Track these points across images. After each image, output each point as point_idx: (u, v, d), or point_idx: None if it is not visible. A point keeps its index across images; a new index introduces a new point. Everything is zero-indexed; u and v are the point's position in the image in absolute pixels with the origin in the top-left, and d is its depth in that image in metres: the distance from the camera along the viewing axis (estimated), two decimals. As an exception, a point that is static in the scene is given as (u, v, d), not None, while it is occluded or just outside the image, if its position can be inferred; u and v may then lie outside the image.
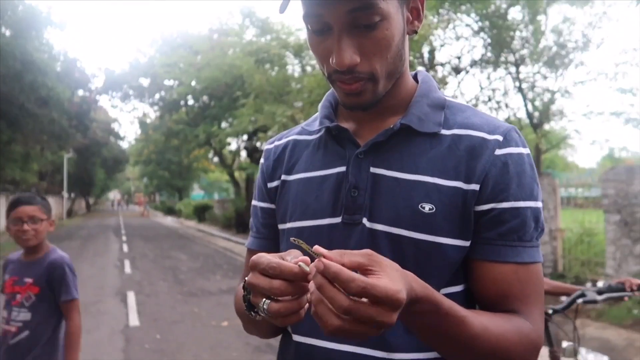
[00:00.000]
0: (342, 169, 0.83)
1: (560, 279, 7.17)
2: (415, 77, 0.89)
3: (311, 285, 0.59)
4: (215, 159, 26.28)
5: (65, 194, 34.51)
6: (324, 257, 0.58)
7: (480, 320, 0.69)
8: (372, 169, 0.81)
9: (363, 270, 0.57)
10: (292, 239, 0.64)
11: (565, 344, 1.89)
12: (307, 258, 0.61)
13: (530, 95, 9.66)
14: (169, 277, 9.44)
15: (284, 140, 0.96)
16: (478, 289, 0.78)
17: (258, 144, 19.50)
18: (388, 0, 0.73)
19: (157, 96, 23.57)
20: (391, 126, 0.81)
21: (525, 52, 9.07)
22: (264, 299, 0.63)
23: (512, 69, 9.37)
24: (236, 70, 14.93)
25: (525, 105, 9.45)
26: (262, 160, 0.98)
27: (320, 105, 0.93)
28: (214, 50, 17.24)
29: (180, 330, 5.63)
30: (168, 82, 21.67)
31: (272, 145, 0.98)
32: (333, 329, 0.56)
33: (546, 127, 10.43)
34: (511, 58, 9.19)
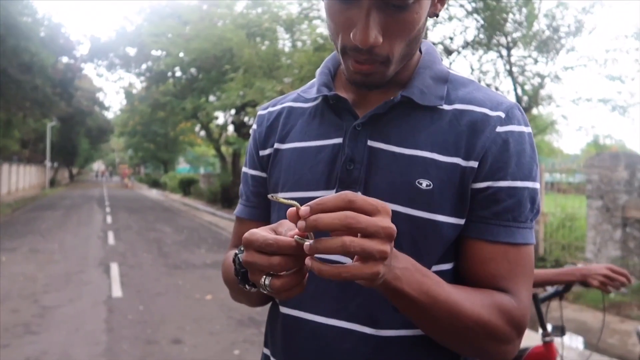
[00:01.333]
0: (339, 140, 0.80)
1: (540, 262, 7.31)
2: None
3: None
4: (202, 133, 26.04)
5: (48, 162, 34.02)
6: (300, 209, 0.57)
7: (457, 291, 0.69)
8: (370, 142, 0.78)
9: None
10: (269, 195, 0.63)
11: (549, 326, 1.93)
12: (300, 226, 0.59)
13: (520, 79, 9.67)
14: (153, 250, 9.41)
15: (278, 107, 0.92)
16: (468, 267, 0.77)
17: (246, 119, 19.32)
18: None
19: (144, 66, 23.10)
20: (391, 98, 0.77)
21: (517, 35, 9.04)
22: (264, 276, 0.61)
23: (504, 52, 9.34)
24: (226, 43, 14.66)
25: (515, 89, 9.46)
26: (254, 127, 0.94)
27: (318, 71, 0.88)
28: (204, 21, 16.87)
29: (164, 302, 5.63)
30: (155, 53, 21.21)
31: (265, 111, 0.94)
32: (333, 274, 0.55)
33: (534, 111, 10.48)
34: (503, 41, 9.15)
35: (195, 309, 5.36)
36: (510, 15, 8.92)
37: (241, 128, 19.89)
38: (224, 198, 19.63)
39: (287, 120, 0.89)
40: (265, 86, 11.48)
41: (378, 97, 0.80)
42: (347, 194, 0.56)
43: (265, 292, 0.62)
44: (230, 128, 21.99)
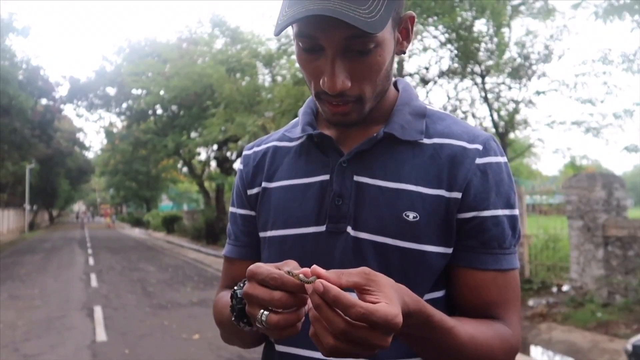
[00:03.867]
0: (326, 177, 0.83)
1: (527, 284, 7.35)
2: (395, 85, 0.90)
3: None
4: (185, 169, 25.90)
5: (27, 206, 33.36)
6: (322, 277, 0.58)
7: (466, 329, 0.71)
8: (356, 177, 0.81)
9: (360, 289, 0.58)
10: (285, 269, 0.61)
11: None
12: (307, 270, 0.61)
13: (495, 105, 9.92)
14: (138, 290, 9.21)
15: (263, 147, 0.95)
16: (459, 294, 0.80)
17: (228, 154, 19.34)
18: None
19: (124, 105, 23.10)
20: (374, 135, 0.81)
21: (490, 63, 9.32)
22: (262, 311, 0.62)
23: (478, 80, 9.60)
24: (206, 79, 14.82)
25: (491, 114, 9.69)
26: (240, 166, 0.96)
27: (301, 111, 0.92)
28: (183, 59, 17.06)
29: (150, 344, 5.49)
30: (136, 91, 21.28)
31: (250, 151, 0.96)
32: (329, 348, 0.57)
33: (511, 136, 10.72)
34: (477, 69, 9.42)
35: (183, 349, 5.23)
36: (483, 45, 9.22)
37: (224, 163, 19.88)
38: (209, 234, 19.41)
39: (273, 159, 0.91)
40: (246, 121, 11.57)
41: (359, 134, 0.84)
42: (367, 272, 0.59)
43: (260, 326, 0.63)
44: (213, 163, 21.96)
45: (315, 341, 0.58)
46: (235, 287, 0.73)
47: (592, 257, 6.42)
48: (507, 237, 0.79)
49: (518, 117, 9.91)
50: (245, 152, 0.97)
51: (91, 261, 14.76)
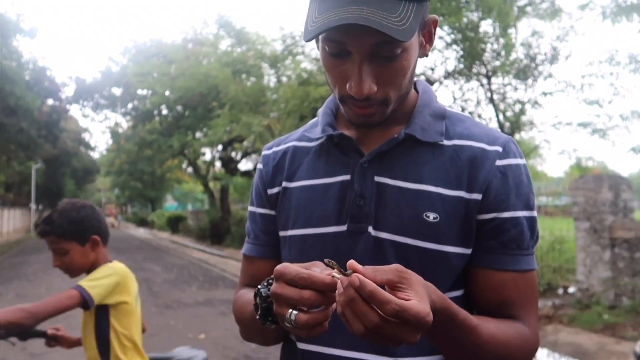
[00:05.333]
0: (347, 177, 0.84)
1: (533, 285, 7.32)
2: (414, 86, 0.91)
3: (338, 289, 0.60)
4: (189, 170, 25.97)
5: (33, 205, 33.54)
6: (359, 272, 0.59)
7: (488, 328, 0.72)
8: (377, 178, 0.82)
9: (392, 286, 0.59)
10: (326, 260, 0.63)
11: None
12: (336, 272, 0.62)
13: (501, 106, 9.89)
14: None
15: (282, 147, 0.96)
16: (478, 294, 0.81)
17: (233, 154, 19.37)
18: None
19: (129, 106, 23.19)
20: (395, 136, 0.82)
21: (496, 64, 9.29)
22: (291, 310, 0.63)
23: (484, 81, 9.58)
24: (211, 80, 14.85)
25: (497, 116, 9.66)
26: (259, 166, 0.97)
27: (320, 111, 0.93)
28: (189, 59, 17.12)
29: (156, 343, 5.50)
30: (141, 92, 21.36)
31: (270, 151, 0.97)
32: (358, 333, 0.58)
33: (517, 137, 10.69)
34: (483, 70, 9.40)
35: (189, 349, 5.24)
36: (489, 45, 9.19)
37: (229, 163, 19.91)
38: (214, 234, 19.45)
39: (293, 159, 0.92)
40: (252, 121, 11.58)
41: (380, 135, 0.85)
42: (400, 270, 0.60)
43: (288, 326, 0.64)
44: (218, 164, 22.00)
45: (344, 320, 0.60)
46: (260, 287, 0.74)
47: (599, 259, 6.39)
48: (526, 238, 0.80)
49: (524, 118, 9.87)
50: (264, 152, 0.98)
51: (97, 261, 14.80)
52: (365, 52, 0.72)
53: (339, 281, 0.60)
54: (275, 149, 0.97)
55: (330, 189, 0.85)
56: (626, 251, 6.16)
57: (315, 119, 0.95)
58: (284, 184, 0.91)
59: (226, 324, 6.38)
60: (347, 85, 0.75)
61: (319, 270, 0.64)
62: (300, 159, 0.91)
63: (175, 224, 28.52)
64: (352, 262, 0.60)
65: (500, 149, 0.81)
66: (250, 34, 16.46)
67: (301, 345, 0.85)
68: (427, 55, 0.83)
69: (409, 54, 0.75)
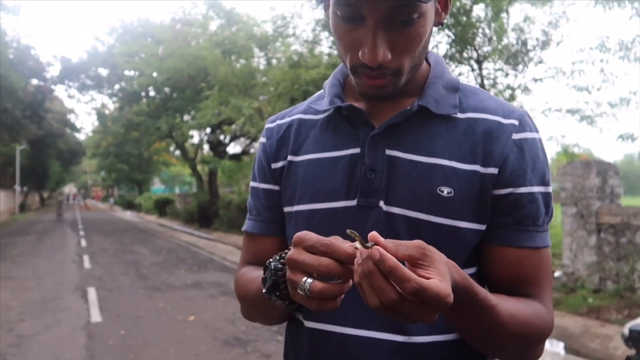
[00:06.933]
0: (356, 150, 0.80)
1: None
2: (425, 58, 0.87)
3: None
4: (177, 152, 25.76)
5: (17, 187, 33.08)
6: (380, 245, 0.56)
7: (507, 307, 0.70)
8: (388, 151, 0.79)
9: (413, 262, 0.57)
10: (348, 230, 0.60)
11: None
12: (357, 244, 0.60)
13: (492, 91, 9.91)
14: (131, 272, 9.21)
15: (287, 119, 0.92)
16: (492, 272, 0.79)
17: (222, 137, 19.23)
18: None
19: (116, 87, 22.86)
20: (408, 107, 0.79)
21: (488, 49, 9.28)
22: (306, 278, 0.60)
23: (475, 66, 9.57)
24: (200, 62, 14.66)
25: (487, 101, 9.68)
26: (262, 140, 0.93)
27: (327, 83, 0.89)
28: (177, 40, 16.84)
29: (145, 325, 5.50)
30: (128, 73, 21.05)
31: (274, 124, 0.93)
32: (373, 307, 0.56)
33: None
34: (474, 55, 9.38)
35: (179, 331, 5.25)
36: (480, 30, 9.17)
37: (217, 147, 19.78)
38: (202, 217, 19.38)
39: (298, 132, 0.89)
40: (241, 104, 11.48)
41: (390, 107, 0.82)
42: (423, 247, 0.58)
43: (300, 295, 0.61)
44: (206, 147, 21.84)
45: (360, 290, 0.58)
46: (271, 260, 0.72)
47: (585, 244, 6.48)
48: (541, 214, 0.78)
49: (514, 104, 9.91)
50: (268, 125, 0.95)
51: (83, 243, 14.72)
52: (380, 16, 0.68)
53: (358, 252, 0.57)
54: (279, 122, 0.93)
55: (339, 163, 0.81)
56: (612, 236, 6.26)
57: (321, 91, 0.91)
58: (290, 157, 0.87)
59: (216, 306, 6.39)
60: (360, 53, 0.71)
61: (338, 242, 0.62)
62: (306, 132, 0.88)
63: (162, 207, 28.35)
64: (374, 234, 0.58)
65: (516, 122, 0.79)
66: (240, 15, 16.23)
67: (308, 324, 0.82)
68: (442, 24, 0.80)
69: (425, 20, 0.72)
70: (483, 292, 0.66)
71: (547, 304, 0.78)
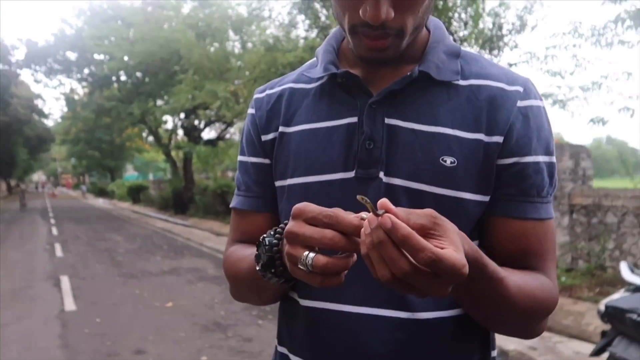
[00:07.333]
0: (353, 119, 0.76)
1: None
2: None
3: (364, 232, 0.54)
4: (150, 138, 25.26)
5: (-17, 175, 32.03)
6: (391, 213, 0.52)
7: (514, 280, 0.68)
8: (387, 120, 0.75)
9: (425, 232, 0.53)
10: (359, 196, 0.55)
11: None
12: (364, 214, 0.56)
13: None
14: (106, 260, 9.03)
15: (277, 89, 0.87)
16: (495, 245, 0.76)
17: (196, 123, 18.94)
18: None
19: (86, 71, 22.15)
20: (408, 73, 0.74)
21: (464, 33, 9.32)
22: (308, 252, 0.56)
23: (451, 50, 9.61)
24: (173, 45, 14.32)
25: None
26: (251, 111, 0.88)
27: (321, 49, 0.84)
28: (149, 23, 16.41)
29: (122, 313, 5.41)
30: (98, 57, 20.40)
31: (263, 94, 0.88)
32: (383, 279, 0.53)
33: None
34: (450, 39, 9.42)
35: (157, 317, 5.18)
36: (456, 15, 9.19)
37: (192, 132, 19.46)
38: (177, 204, 19.14)
39: (290, 102, 0.84)
40: (216, 88, 11.29)
41: (389, 74, 0.78)
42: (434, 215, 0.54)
43: (301, 270, 0.57)
44: (180, 132, 21.46)
45: (368, 263, 0.54)
46: (265, 235, 0.68)
47: (558, 225, 6.63)
48: (545, 185, 0.75)
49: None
50: (256, 95, 0.89)
51: (55, 231, 14.37)
52: None
53: (367, 221, 0.53)
54: (269, 91, 0.87)
55: (335, 133, 0.77)
56: (584, 217, 6.41)
57: (313, 59, 0.86)
58: (281, 128, 0.82)
59: (194, 292, 6.33)
60: (361, 10, 0.66)
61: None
62: (298, 102, 0.83)
63: (136, 193, 27.88)
64: (385, 201, 0.53)
65: (521, 89, 0.75)
66: (214, -4, 15.87)
67: (304, 302, 0.78)
68: None
69: None
70: (492, 264, 0.63)
71: (552, 277, 0.76)
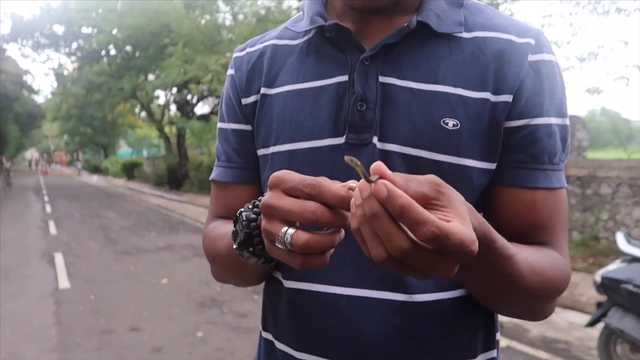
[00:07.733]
0: (344, 78, 0.68)
1: (489, 223, 7.59)
2: None
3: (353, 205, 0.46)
4: (143, 114, 24.97)
5: (-26, 153, 31.71)
6: (387, 179, 0.44)
7: (525, 257, 0.60)
8: (382, 78, 0.66)
9: (426, 203, 0.45)
10: (347, 157, 0.47)
11: None
12: (353, 183, 0.48)
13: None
14: (100, 237, 9.00)
15: (258, 46, 0.78)
16: (502, 218, 0.68)
17: (189, 97, 18.70)
18: None
19: (74, 45, 21.71)
20: (405, 25, 0.66)
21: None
22: (286, 228, 0.49)
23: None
24: (162, 17, 14.01)
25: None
26: (230, 72, 0.79)
27: (305, 2, 0.75)
28: (136, -6, 16.01)
29: (117, 290, 5.39)
30: (86, 30, 19.97)
31: (243, 53, 0.79)
32: (378, 259, 0.45)
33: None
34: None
35: (152, 294, 5.17)
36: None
37: (185, 107, 19.23)
38: (171, 180, 19.07)
39: (272, 60, 0.75)
40: (207, 61, 11.09)
41: (383, 25, 0.69)
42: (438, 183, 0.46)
43: (279, 249, 0.50)
44: (173, 107, 21.20)
45: (358, 239, 0.46)
46: (242, 209, 0.60)
47: (553, 196, 6.63)
48: (558, 150, 0.68)
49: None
50: (236, 54, 0.80)
51: (48, 209, 14.30)
52: None
53: (357, 189, 0.45)
54: (249, 49, 0.79)
55: (323, 94, 0.69)
56: (578, 188, 6.40)
57: (299, 13, 0.78)
58: (263, 90, 0.74)
59: (189, 268, 6.31)
60: None
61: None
62: (282, 60, 0.74)
63: (130, 170, 27.75)
64: (379, 165, 0.45)
65: (532, 41, 0.66)
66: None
67: (288, 284, 0.71)
68: None
69: None
70: (501, 239, 0.56)
71: (564, 252, 0.69)
